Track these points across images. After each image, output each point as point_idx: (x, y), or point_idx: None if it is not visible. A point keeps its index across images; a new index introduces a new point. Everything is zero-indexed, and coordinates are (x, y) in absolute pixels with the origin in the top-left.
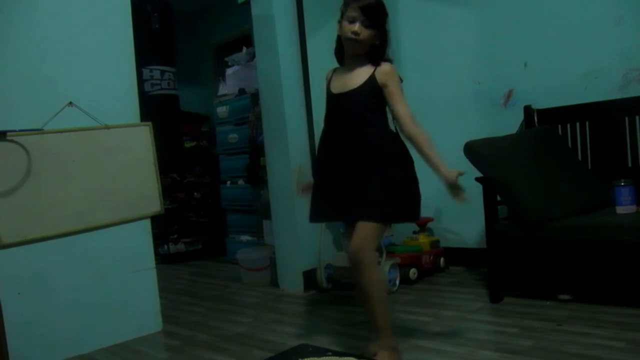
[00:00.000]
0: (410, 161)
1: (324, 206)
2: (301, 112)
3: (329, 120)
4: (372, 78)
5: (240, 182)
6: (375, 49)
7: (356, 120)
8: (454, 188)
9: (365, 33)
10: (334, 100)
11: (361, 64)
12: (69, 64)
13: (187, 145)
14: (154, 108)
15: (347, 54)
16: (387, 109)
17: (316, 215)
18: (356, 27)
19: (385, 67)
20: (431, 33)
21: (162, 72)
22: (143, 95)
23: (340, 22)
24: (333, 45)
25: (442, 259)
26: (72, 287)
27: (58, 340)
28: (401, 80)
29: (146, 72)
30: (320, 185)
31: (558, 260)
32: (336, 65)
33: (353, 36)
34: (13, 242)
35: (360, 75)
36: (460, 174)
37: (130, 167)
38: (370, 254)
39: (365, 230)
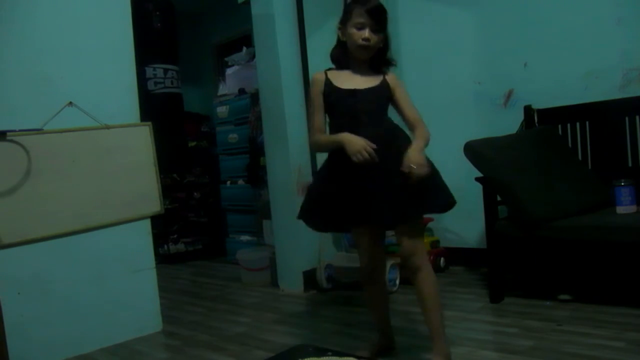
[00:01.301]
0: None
1: (339, 213)
2: (301, 112)
3: (341, 118)
4: (385, 82)
5: (240, 182)
6: (380, 52)
7: (375, 117)
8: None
9: (374, 39)
10: (349, 95)
11: (367, 67)
12: (69, 64)
13: (187, 145)
14: (158, 106)
15: (352, 59)
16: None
17: (326, 224)
18: (366, 33)
19: (393, 76)
20: (431, 33)
21: (166, 71)
22: (146, 94)
23: (342, 28)
24: (333, 45)
25: (442, 259)
26: (72, 287)
27: (58, 340)
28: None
29: (149, 71)
30: (334, 190)
31: (558, 260)
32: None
33: (365, 43)
34: (13, 242)
35: (372, 79)
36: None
37: (130, 167)
38: (425, 255)
39: (412, 229)
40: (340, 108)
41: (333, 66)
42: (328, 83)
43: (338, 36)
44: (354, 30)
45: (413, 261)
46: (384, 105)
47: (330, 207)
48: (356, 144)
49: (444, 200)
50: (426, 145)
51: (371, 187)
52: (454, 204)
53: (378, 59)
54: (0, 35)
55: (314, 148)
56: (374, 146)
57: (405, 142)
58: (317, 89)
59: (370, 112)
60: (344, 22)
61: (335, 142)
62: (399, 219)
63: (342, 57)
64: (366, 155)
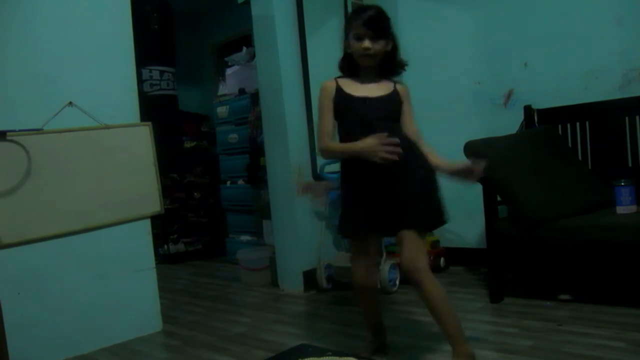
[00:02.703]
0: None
1: (362, 221)
2: (301, 112)
3: (354, 126)
4: (396, 92)
5: (240, 182)
6: (389, 56)
7: (386, 125)
8: (463, 173)
9: (376, 47)
10: (359, 104)
11: (377, 74)
12: (69, 64)
13: (187, 145)
14: (153, 108)
15: (361, 68)
16: None
17: (356, 230)
18: (366, 43)
19: (403, 86)
20: (431, 33)
21: (162, 73)
22: (142, 96)
23: (346, 41)
24: (333, 45)
25: (442, 259)
26: (72, 287)
27: (58, 340)
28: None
29: (145, 73)
30: (354, 197)
31: (558, 260)
32: (337, 67)
33: (365, 52)
34: (13, 242)
35: (384, 86)
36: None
37: (130, 167)
38: (426, 267)
39: (413, 239)
40: (352, 116)
41: (339, 73)
42: (339, 90)
43: (344, 48)
44: (354, 42)
45: (414, 276)
46: (394, 115)
47: (364, 214)
48: (370, 146)
49: (421, 219)
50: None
51: (382, 195)
52: (439, 224)
53: (387, 63)
54: (0, 35)
55: (325, 155)
56: (388, 140)
57: (418, 152)
58: (327, 95)
59: (382, 120)
60: (346, 34)
61: (350, 151)
62: (403, 225)
63: (350, 67)
64: (385, 151)
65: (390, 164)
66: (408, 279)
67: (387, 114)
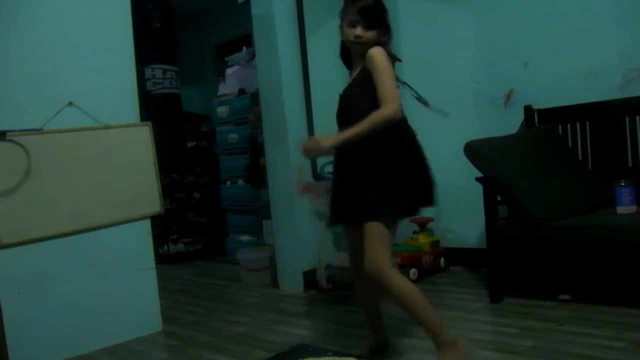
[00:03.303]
0: (404, 146)
1: (333, 210)
2: (301, 112)
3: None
4: (363, 68)
5: (240, 182)
6: (380, 46)
7: (350, 115)
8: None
9: (367, 35)
10: (339, 101)
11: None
12: (69, 64)
13: (187, 145)
14: (157, 107)
15: (353, 56)
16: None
17: (330, 219)
18: (357, 30)
19: (371, 50)
20: (431, 33)
21: (165, 71)
22: (145, 95)
23: (341, 26)
24: (333, 45)
25: (442, 259)
26: (72, 287)
27: (58, 340)
28: (398, 60)
29: (148, 71)
30: (333, 189)
31: (558, 260)
32: (337, 67)
33: (355, 40)
34: (13, 242)
35: (356, 71)
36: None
37: (130, 167)
38: (385, 265)
39: (370, 235)
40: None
41: (339, 73)
42: None
43: (340, 35)
44: (347, 28)
45: (373, 277)
46: (360, 96)
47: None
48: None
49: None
50: (367, 133)
51: (342, 185)
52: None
53: None
54: (0, 35)
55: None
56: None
57: (372, 148)
58: None
59: (346, 112)
60: (341, 20)
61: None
62: (360, 219)
63: (345, 55)
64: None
65: (345, 158)
66: (371, 278)
67: (354, 97)
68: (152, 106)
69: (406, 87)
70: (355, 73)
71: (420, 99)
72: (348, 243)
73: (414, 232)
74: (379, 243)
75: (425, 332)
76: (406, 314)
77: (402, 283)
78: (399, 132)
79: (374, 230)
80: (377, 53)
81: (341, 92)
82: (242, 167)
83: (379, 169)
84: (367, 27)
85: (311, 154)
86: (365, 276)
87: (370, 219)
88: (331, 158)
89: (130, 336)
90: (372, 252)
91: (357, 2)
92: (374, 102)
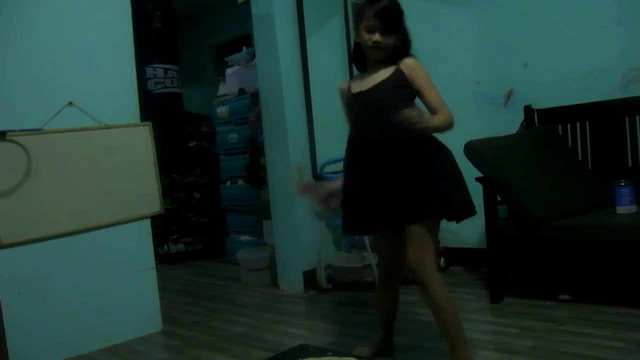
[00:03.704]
0: (443, 152)
1: (362, 217)
2: (301, 112)
3: (352, 124)
4: (398, 72)
5: (240, 182)
6: (398, 50)
7: (381, 114)
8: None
9: (386, 40)
10: (356, 99)
11: (384, 66)
12: (69, 64)
13: (188, 145)
14: (158, 107)
15: (369, 59)
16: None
17: (354, 228)
18: (376, 36)
19: (409, 61)
20: (431, 33)
21: (166, 71)
22: (146, 94)
23: (357, 29)
24: (333, 45)
25: (442, 259)
26: (72, 287)
27: (58, 340)
28: None
29: (149, 71)
30: (353, 193)
31: (558, 260)
32: (337, 67)
33: (374, 45)
34: (13, 242)
35: (384, 73)
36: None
37: (130, 167)
38: (430, 268)
39: (417, 236)
40: (351, 115)
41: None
42: (347, 90)
43: (355, 37)
44: (364, 33)
45: (417, 277)
46: (394, 96)
47: (355, 209)
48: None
49: (454, 206)
50: (439, 129)
51: (378, 190)
52: (468, 213)
53: (396, 57)
54: (0, 35)
55: None
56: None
57: (417, 150)
58: (341, 99)
59: (377, 112)
60: (357, 24)
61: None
62: (403, 220)
63: (360, 57)
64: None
65: (389, 158)
66: (414, 279)
67: (388, 97)
68: (153, 106)
69: None
70: (377, 75)
71: None
72: (382, 247)
73: None
74: (428, 245)
75: (448, 341)
76: (437, 320)
77: (443, 290)
78: (436, 138)
79: (422, 231)
80: (417, 64)
81: (358, 90)
82: (242, 167)
83: (428, 171)
84: (385, 32)
85: (423, 127)
86: (395, 280)
87: (418, 220)
88: (331, 158)
89: (130, 336)
90: (419, 253)
91: (373, 5)
92: (410, 105)
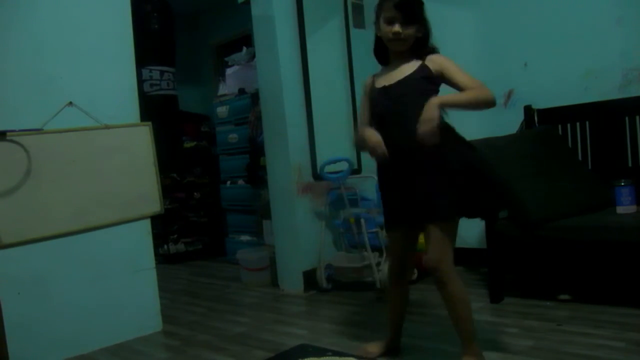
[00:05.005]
0: (468, 148)
1: (398, 212)
2: (301, 112)
3: (377, 119)
4: (423, 67)
5: (240, 182)
6: (419, 41)
7: (407, 108)
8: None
9: (406, 32)
10: (380, 94)
11: (406, 59)
12: (69, 64)
13: (187, 145)
14: (153, 108)
15: (391, 52)
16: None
17: (394, 223)
18: (396, 27)
19: (436, 57)
20: (431, 33)
21: (162, 73)
22: (142, 96)
23: (377, 23)
24: (333, 45)
25: None
26: (72, 287)
27: (58, 340)
28: None
29: (145, 73)
30: (387, 189)
31: (558, 260)
32: (337, 67)
33: (394, 37)
34: (13, 242)
35: (408, 68)
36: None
37: (130, 167)
38: (449, 267)
39: (436, 235)
40: (375, 109)
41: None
42: (371, 84)
43: (375, 31)
44: (384, 25)
45: (437, 276)
46: (421, 91)
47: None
48: (369, 142)
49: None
50: (468, 103)
51: (403, 188)
52: (495, 209)
53: (418, 48)
54: (0, 35)
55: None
56: (383, 150)
57: (446, 140)
58: (364, 93)
59: (401, 107)
60: (377, 17)
61: (360, 137)
62: (424, 219)
63: (382, 51)
64: (376, 155)
65: (411, 155)
66: (433, 277)
67: (409, 97)
68: (149, 107)
69: None
70: (401, 70)
71: None
72: (396, 244)
73: None
74: (449, 243)
75: (460, 336)
76: (453, 314)
77: (461, 288)
78: (460, 135)
79: (444, 230)
80: (443, 57)
81: (382, 85)
82: (242, 167)
83: (451, 169)
84: (405, 23)
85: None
86: (405, 280)
87: (442, 219)
88: (331, 158)
89: (131, 336)
90: (440, 251)
91: None
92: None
